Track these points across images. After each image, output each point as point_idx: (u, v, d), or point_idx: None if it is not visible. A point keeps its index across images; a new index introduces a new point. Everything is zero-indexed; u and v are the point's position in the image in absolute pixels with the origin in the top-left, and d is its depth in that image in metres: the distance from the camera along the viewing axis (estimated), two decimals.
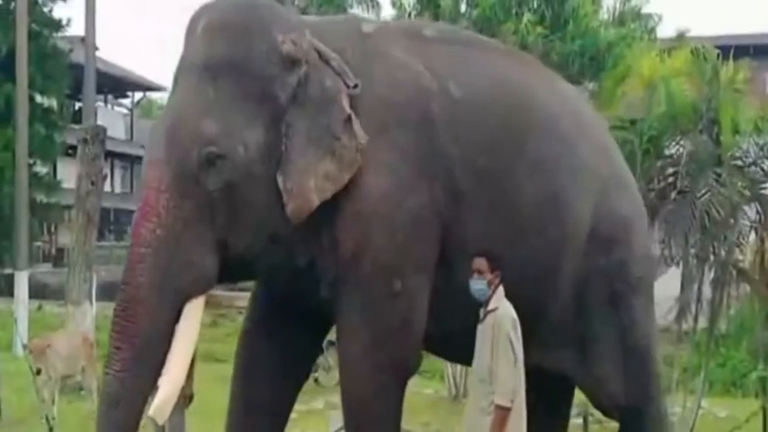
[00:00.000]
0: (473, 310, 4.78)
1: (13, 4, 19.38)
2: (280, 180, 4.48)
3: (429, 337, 4.92)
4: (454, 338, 5.06)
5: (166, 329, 4.34)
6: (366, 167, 4.60)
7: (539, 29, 12.76)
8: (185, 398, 5.75)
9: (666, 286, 7.74)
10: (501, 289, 4.76)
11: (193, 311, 4.44)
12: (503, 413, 4.62)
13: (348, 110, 4.56)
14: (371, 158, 4.60)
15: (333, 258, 4.65)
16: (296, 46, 4.56)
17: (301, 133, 4.53)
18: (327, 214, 4.58)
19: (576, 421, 8.04)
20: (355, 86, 4.61)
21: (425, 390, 11.27)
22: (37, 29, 19.75)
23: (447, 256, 4.84)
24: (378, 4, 15.44)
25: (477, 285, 4.73)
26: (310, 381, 11.08)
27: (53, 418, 8.35)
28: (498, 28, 12.29)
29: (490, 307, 4.73)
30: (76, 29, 20.20)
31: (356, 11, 16.34)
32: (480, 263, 4.71)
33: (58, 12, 24.69)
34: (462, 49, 5.24)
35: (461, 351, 5.06)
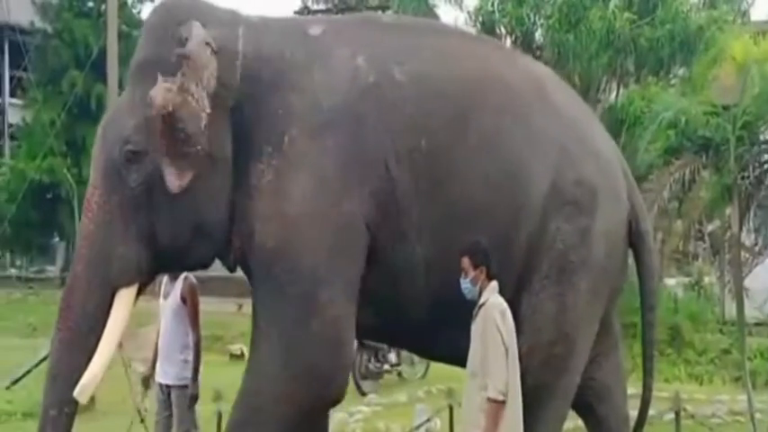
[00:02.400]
0: (444, 309, 4.71)
1: (103, 5, 19.90)
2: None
3: (381, 333, 4.92)
4: (431, 339, 4.98)
5: (97, 316, 4.62)
6: (298, 171, 4.62)
7: (626, 14, 12.46)
8: (191, 397, 5.84)
9: (762, 277, 7.45)
10: (493, 284, 4.65)
11: (122, 301, 4.66)
12: (495, 407, 4.47)
13: (200, 38, 4.52)
14: (304, 162, 4.63)
15: (253, 255, 4.67)
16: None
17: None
18: (252, 209, 4.62)
19: (668, 416, 7.83)
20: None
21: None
22: (126, 29, 20.21)
23: (382, 248, 4.73)
24: None
25: (463, 284, 4.65)
26: (393, 374, 11.19)
27: (145, 410, 8.51)
28: (585, 14, 12.04)
29: (480, 302, 4.64)
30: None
31: (440, 6, 16.32)
32: (463, 261, 4.62)
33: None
34: (417, 35, 5.19)
35: (450, 352, 4.95)
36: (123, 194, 4.64)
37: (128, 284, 4.69)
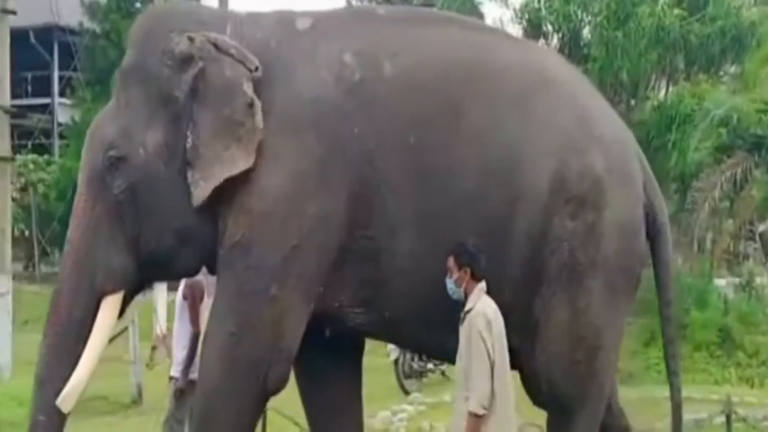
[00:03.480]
0: (436, 305, 4.59)
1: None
2: (189, 175, 4.56)
3: (376, 327, 4.78)
4: (425, 334, 4.84)
5: (82, 321, 4.60)
6: (272, 167, 4.54)
7: (676, 10, 12.26)
8: (177, 390, 5.91)
9: None
10: (480, 286, 4.53)
11: (107, 308, 4.64)
12: (476, 420, 4.36)
13: (251, 94, 4.53)
14: (279, 158, 4.55)
15: (221, 250, 4.61)
16: (190, 42, 4.59)
17: (206, 127, 4.57)
18: (231, 208, 4.57)
19: (719, 419, 7.68)
20: (256, 69, 4.57)
21: None
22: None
23: (368, 245, 4.63)
24: None
25: (448, 285, 4.55)
26: (437, 373, 11.12)
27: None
28: (634, 10, 11.87)
29: (467, 307, 4.52)
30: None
31: (485, 4, 16.20)
32: (448, 262, 4.51)
33: None
34: (413, 26, 5.02)
35: (443, 349, 4.82)
36: (108, 201, 4.64)
37: (113, 291, 4.66)
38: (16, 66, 11.91)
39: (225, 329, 4.59)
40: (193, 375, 5.73)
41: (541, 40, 12.99)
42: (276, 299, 4.52)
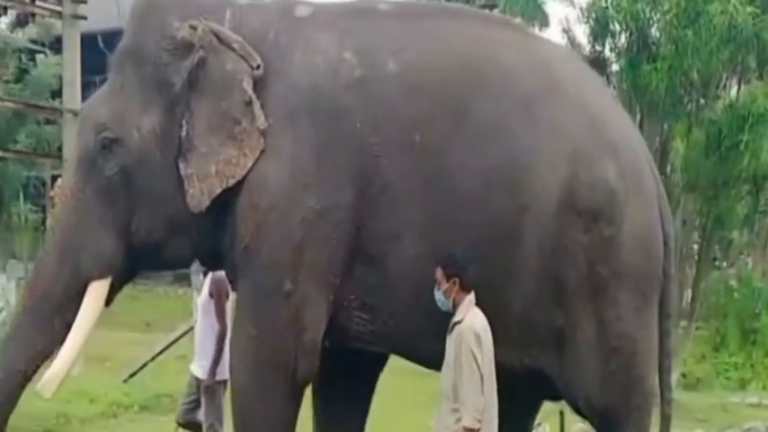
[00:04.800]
0: (435, 312, 4.48)
1: None
2: (182, 166, 4.54)
3: (377, 336, 4.68)
4: (419, 341, 4.71)
5: (62, 302, 4.58)
6: (269, 158, 4.48)
7: (749, 8, 11.93)
8: (206, 389, 5.88)
9: None
10: (469, 298, 4.43)
11: (93, 294, 4.60)
12: None
13: (250, 92, 4.47)
14: (276, 149, 4.50)
15: (233, 245, 4.58)
16: (192, 30, 4.52)
17: (202, 119, 4.52)
18: (230, 204, 4.51)
19: None
20: (258, 67, 4.49)
21: None
22: None
23: (373, 249, 4.55)
24: None
25: (437, 296, 4.46)
26: None
27: None
28: (704, 8, 11.60)
29: (456, 318, 4.42)
30: None
31: (549, 3, 15.98)
32: (437, 272, 4.42)
33: None
34: (419, 20, 4.88)
35: (432, 356, 4.69)
36: (98, 183, 4.60)
37: (100, 277, 4.61)
38: (85, 70, 12.12)
39: (246, 333, 4.59)
40: (222, 375, 5.75)
41: (608, 39, 12.81)
42: (291, 294, 4.48)
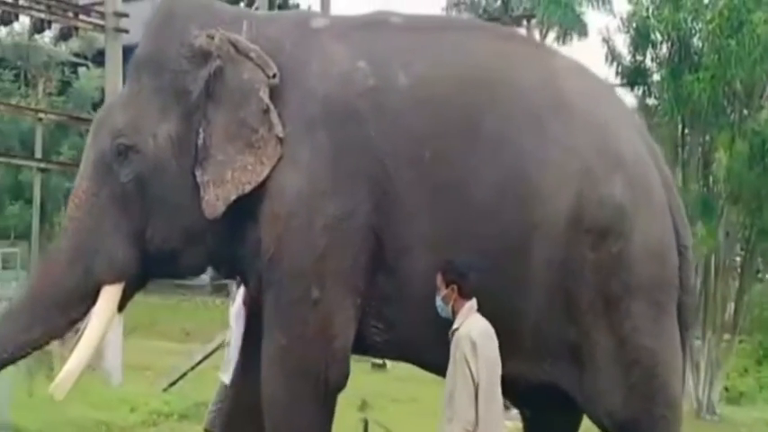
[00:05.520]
0: (445, 321, 4.47)
1: None
2: (198, 174, 4.52)
3: (389, 345, 4.70)
4: (429, 349, 4.67)
5: (68, 296, 4.57)
6: (287, 166, 4.50)
7: None
8: None
9: None
10: (469, 305, 4.41)
11: (106, 298, 4.60)
12: None
13: (266, 101, 4.50)
14: (293, 157, 4.50)
15: (257, 258, 4.57)
16: (210, 40, 4.55)
17: (219, 127, 4.54)
18: (249, 213, 4.51)
19: None
20: (274, 76, 4.52)
21: None
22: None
23: (388, 259, 4.54)
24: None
25: (437, 303, 4.45)
26: None
27: None
28: (748, 17, 11.45)
29: (454, 326, 4.40)
30: None
31: (585, 7, 15.89)
32: (437, 278, 4.41)
33: None
34: (429, 35, 4.89)
35: (443, 365, 4.63)
36: (113, 189, 4.61)
37: (112, 282, 4.62)
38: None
39: (276, 343, 4.59)
40: None
41: (650, 49, 12.70)
42: (319, 302, 4.49)
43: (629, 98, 12.71)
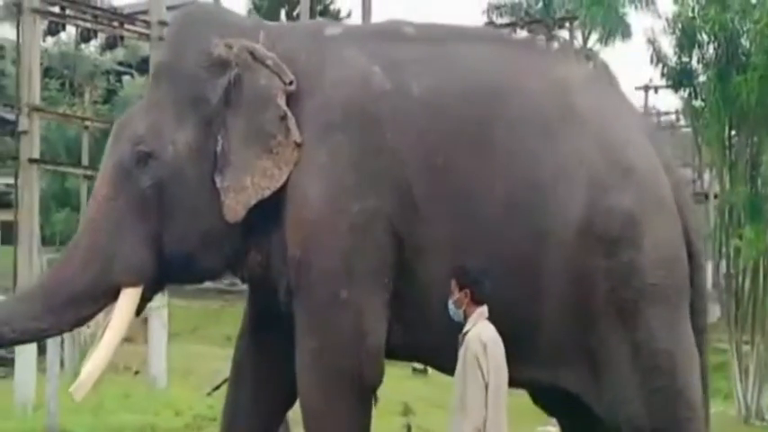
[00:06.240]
0: (457, 324, 4.45)
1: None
2: (218, 180, 4.59)
3: (407, 347, 4.76)
4: (443, 352, 4.62)
5: (82, 293, 4.61)
6: (309, 171, 4.57)
7: None
8: None
9: None
10: (480, 310, 4.39)
11: (126, 300, 4.65)
12: None
13: (284, 107, 4.57)
14: (314, 161, 4.58)
15: (285, 263, 4.62)
16: (228, 49, 4.63)
17: (238, 134, 4.61)
18: (270, 218, 4.56)
19: None
20: (290, 83, 4.59)
21: (711, 409, 10.48)
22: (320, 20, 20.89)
23: (406, 262, 4.57)
24: (653, 0, 14.73)
25: (449, 306, 4.45)
26: None
27: None
28: None
29: (465, 329, 4.38)
30: (356, 19, 21.17)
31: (628, 9, 15.70)
32: (451, 283, 4.40)
33: (339, 2, 26.42)
34: (441, 46, 4.93)
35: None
36: (132, 194, 4.67)
37: (128, 284, 4.66)
38: None
39: (308, 346, 4.62)
40: None
41: (696, 50, 12.53)
42: (348, 302, 4.54)
43: (674, 100, 12.55)
